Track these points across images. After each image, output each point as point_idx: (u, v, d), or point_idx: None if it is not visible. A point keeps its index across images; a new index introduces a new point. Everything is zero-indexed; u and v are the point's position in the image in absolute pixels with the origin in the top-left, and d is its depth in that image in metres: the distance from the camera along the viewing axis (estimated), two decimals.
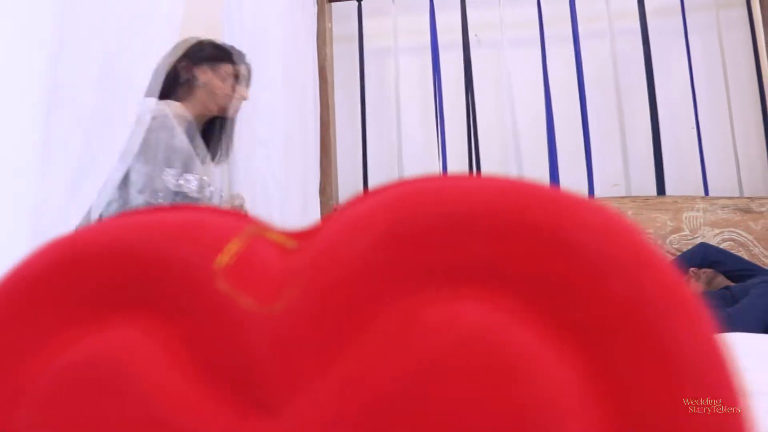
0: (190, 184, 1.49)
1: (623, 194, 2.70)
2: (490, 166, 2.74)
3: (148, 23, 1.23)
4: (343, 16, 2.94)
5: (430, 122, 2.79)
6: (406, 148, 2.82)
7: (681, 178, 2.69)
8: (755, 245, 2.54)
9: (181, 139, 1.50)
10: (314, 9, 2.79)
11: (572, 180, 2.68)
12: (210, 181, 1.57)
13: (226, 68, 1.64)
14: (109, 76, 1.11)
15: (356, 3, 2.87)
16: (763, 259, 2.51)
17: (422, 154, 2.83)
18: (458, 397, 0.23)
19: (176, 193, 1.45)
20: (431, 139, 2.78)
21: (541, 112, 2.69)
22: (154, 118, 1.42)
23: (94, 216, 1.24)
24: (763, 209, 2.56)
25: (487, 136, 2.74)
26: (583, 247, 0.25)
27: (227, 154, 1.77)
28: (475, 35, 2.90)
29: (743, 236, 2.54)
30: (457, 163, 2.74)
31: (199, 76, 1.59)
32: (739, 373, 0.25)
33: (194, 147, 1.53)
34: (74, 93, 1.05)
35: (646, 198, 2.60)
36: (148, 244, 0.31)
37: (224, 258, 0.30)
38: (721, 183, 2.68)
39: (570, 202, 0.26)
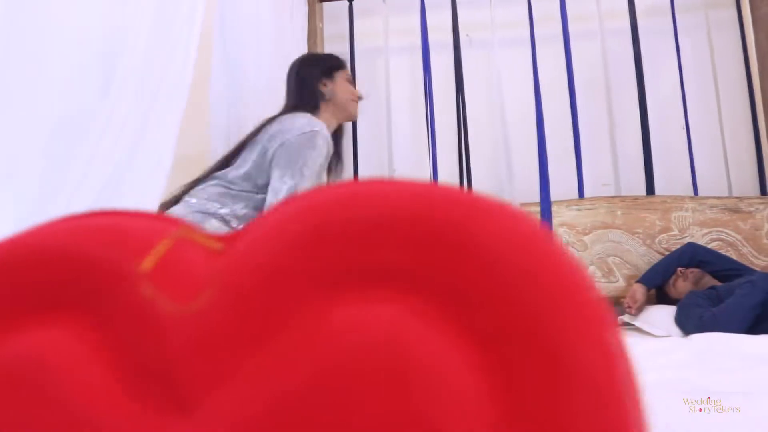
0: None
1: (613, 194, 2.71)
2: (480, 167, 2.75)
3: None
4: (334, 16, 2.94)
5: (421, 122, 2.80)
6: (397, 148, 2.83)
7: (670, 178, 2.70)
8: (744, 245, 2.55)
9: (327, 155, 1.55)
10: (305, 9, 2.79)
11: (562, 179, 2.69)
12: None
13: (344, 74, 1.72)
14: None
15: (347, 3, 2.87)
16: (751, 258, 2.52)
17: (413, 154, 2.84)
18: (361, 397, 0.24)
19: None
20: (422, 139, 2.79)
21: (531, 111, 2.69)
22: (303, 134, 1.49)
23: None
24: (752, 209, 2.57)
25: (477, 136, 2.75)
26: (488, 252, 0.25)
27: (341, 166, 1.84)
28: (467, 35, 2.91)
29: (732, 236, 2.55)
30: (447, 163, 2.75)
31: (325, 89, 1.66)
32: (635, 377, 0.26)
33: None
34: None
35: (635, 198, 2.61)
36: (75, 248, 0.31)
37: (150, 261, 0.31)
38: (711, 183, 2.69)
39: (481, 206, 0.27)
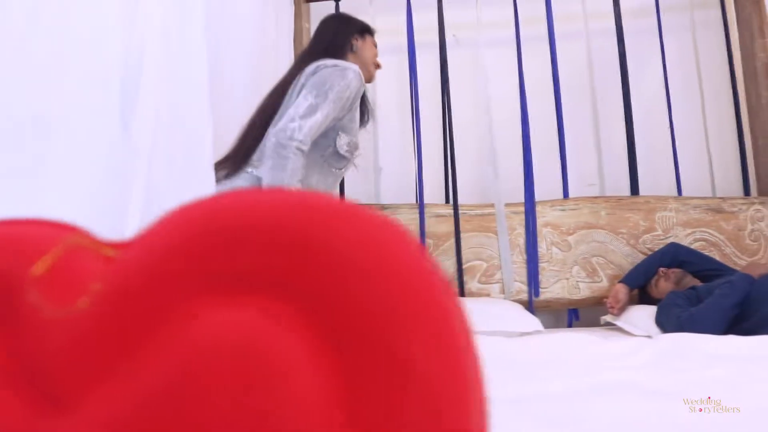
0: (341, 142, 1.62)
1: (598, 194, 2.72)
2: (465, 166, 2.76)
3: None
4: (320, 16, 2.93)
5: (407, 122, 2.80)
6: (383, 147, 2.84)
7: (655, 178, 2.71)
8: (726, 245, 2.56)
9: (356, 92, 1.63)
10: (291, 9, 2.80)
11: (547, 179, 2.70)
12: (358, 145, 1.71)
13: (372, 39, 1.86)
14: None
15: (334, 3, 2.88)
16: (734, 258, 2.53)
17: (399, 153, 2.85)
18: (213, 399, 0.25)
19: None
20: (407, 138, 2.80)
21: (516, 112, 2.70)
22: (336, 66, 1.58)
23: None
24: (735, 209, 2.58)
25: (462, 136, 2.76)
26: (338, 257, 0.26)
27: (369, 119, 1.94)
28: (453, 35, 2.91)
29: (715, 236, 2.56)
30: (433, 163, 2.76)
31: (357, 45, 1.78)
32: (481, 380, 0.27)
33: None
34: None
35: (620, 198, 2.62)
36: None
37: (40, 267, 0.32)
38: (695, 183, 2.70)
39: (337, 213, 0.28)
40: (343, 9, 2.90)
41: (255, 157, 1.60)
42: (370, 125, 2.79)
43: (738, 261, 2.52)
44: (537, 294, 2.54)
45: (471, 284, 2.58)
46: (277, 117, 1.62)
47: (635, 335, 2.14)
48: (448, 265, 2.56)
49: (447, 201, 2.67)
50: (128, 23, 1.20)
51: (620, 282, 2.39)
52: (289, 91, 1.65)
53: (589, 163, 2.78)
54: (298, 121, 1.46)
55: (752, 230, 2.57)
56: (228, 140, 1.96)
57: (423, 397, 0.24)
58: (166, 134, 1.20)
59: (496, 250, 2.58)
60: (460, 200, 2.67)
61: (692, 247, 2.50)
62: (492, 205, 2.62)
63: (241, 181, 1.55)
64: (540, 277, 2.56)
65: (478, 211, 2.63)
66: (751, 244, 2.56)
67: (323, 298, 0.26)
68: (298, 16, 2.82)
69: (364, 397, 0.24)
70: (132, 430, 0.26)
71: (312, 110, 1.49)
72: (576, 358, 1.02)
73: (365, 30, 1.87)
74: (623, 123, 2.69)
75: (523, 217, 2.60)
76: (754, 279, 1.91)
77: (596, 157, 2.78)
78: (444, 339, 0.25)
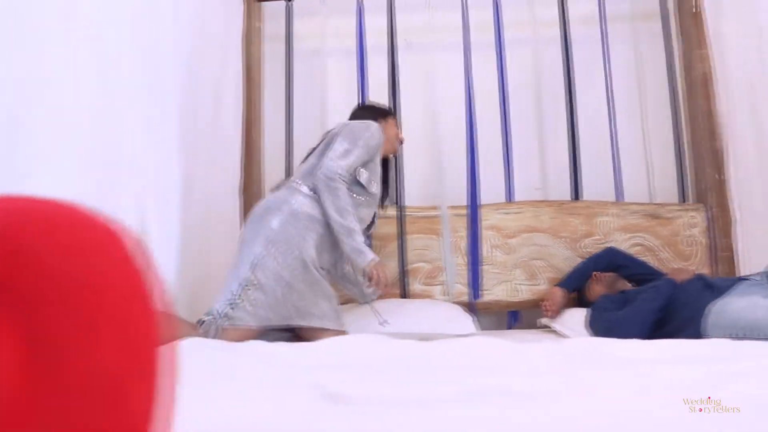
0: (362, 176, 2.02)
1: (542, 198, 2.77)
2: (412, 169, 2.79)
3: None
4: (272, 16, 2.94)
5: None
6: None
7: (597, 184, 2.77)
8: (662, 250, 2.63)
9: (377, 146, 2.09)
10: (242, 7, 2.79)
11: (493, 183, 2.74)
12: (376, 183, 2.10)
13: (394, 120, 2.30)
14: None
15: (285, 3, 2.88)
16: (670, 263, 2.60)
17: None
18: None
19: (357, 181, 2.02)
20: None
21: (463, 116, 2.74)
22: (362, 122, 2.10)
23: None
24: (671, 215, 2.65)
25: (410, 140, 2.77)
26: (36, 258, 0.27)
27: (388, 196, 2.37)
28: (405, 39, 2.94)
29: (651, 241, 2.63)
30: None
31: (382, 125, 2.16)
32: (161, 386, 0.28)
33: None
34: None
35: (562, 202, 2.67)
36: None
37: None
38: (634, 189, 2.77)
39: (44, 217, 0.29)
40: (295, 10, 2.91)
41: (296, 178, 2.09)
42: (319, 127, 2.81)
43: (673, 265, 2.60)
44: (478, 296, 2.58)
45: (414, 285, 2.61)
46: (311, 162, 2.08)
47: (568, 337, 2.20)
48: (393, 267, 2.59)
49: (393, 203, 2.69)
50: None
51: (557, 285, 2.45)
52: (321, 145, 2.12)
53: (533, 167, 2.82)
54: (336, 161, 1.94)
55: (687, 236, 2.64)
56: (162, 135, 1.95)
57: (91, 396, 0.25)
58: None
59: (439, 252, 2.61)
60: (408, 202, 2.70)
61: (630, 251, 2.57)
62: (437, 208, 2.66)
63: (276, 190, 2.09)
64: (482, 279, 2.60)
65: (423, 214, 2.66)
66: (686, 249, 2.64)
67: (16, 290, 0.27)
68: (250, 16, 2.81)
69: (55, 398, 0.25)
70: None
71: (347, 153, 1.96)
72: (469, 363, 1.05)
73: (387, 114, 2.30)
74: (567, 129, 2.75)
75: (467, 219, 2.64)
76: (677, 284, 1.97)
77: (540, 162, 2.83)
78: (125, 340, 0.27)
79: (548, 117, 2.85)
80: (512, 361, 1.08)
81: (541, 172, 2.82)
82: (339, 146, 1.98)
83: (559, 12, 2.81)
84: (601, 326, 2.02)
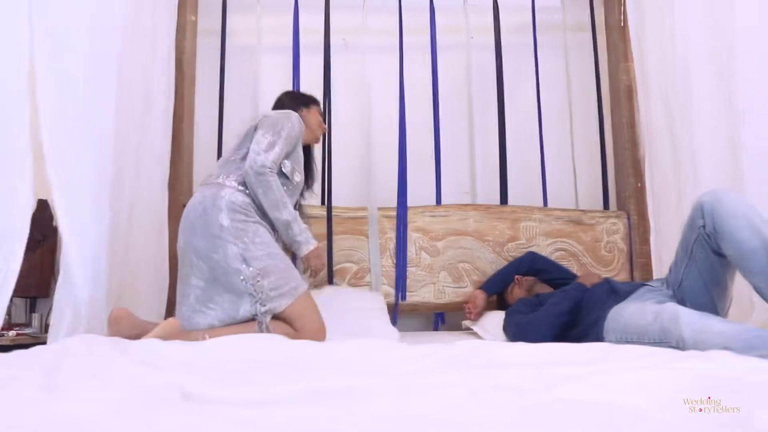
0: (286, 167, 2.02)
1: (470, 202, 2.81)
2: (343, 170, 2.79)
3: None
4: (207, 10, 2.91)
5: None
6: None
7: (524, 189, 2.83)
8: (584, 255, 2.70)
9: (298, 135, 2.07)
10: (175, 0, 2.74)
11: (423, 186, 2.77)
12: (299, 173, 2.08)
13: (317, 109, 2.30)
14: None
15: None
16: (590, 269, 2.68)
17: None
18: None
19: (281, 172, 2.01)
20: None
21: (395, 118, 2.76)
22: (281, 112, 2.09)
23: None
24: (593, 222, 2.73)
25: (341, 140, 2.79)
26: None
27: (313, 183, 2.36)
28: (343, 39, 2.95)
29: (574, 246, 2.70)
30: None
31: (303, 113, 2.19)
32: None
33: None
34: None
35: (488, 206, 2.72)
36: None
37: None
38: (560, 196, 2.84)
39: None
40: (231, 5, 2.89)
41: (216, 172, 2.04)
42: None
43: (593, 270, 2.67)
44: (404, 297, 2.60)
45: (341, 286, 2.61)
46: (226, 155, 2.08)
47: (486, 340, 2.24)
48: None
49: (322, 203, 2.69)
50: None
51: (479, 288, 2.49)
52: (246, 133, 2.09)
53: (463, 171, 2.87)
54: (263, 154, 1.92)
55: (608, 242, 2.72)
56: (85, 124, 1.91)
57: None
58: None
59: (366, 253, 2.62)
60: (338, 203, 2.70)
61: (552, 256, 2.63)
62: (365, 209, 2.67)
63: (200, 189, 2.01)
64: (408, 281, 2.62)
65: (351, 214, 2.66)
66: (606, 255, 2.72)
67: None
68: (183, 8, 2.76)
69: None
70: None
71: (271, 145, 1.95)
72: (333, 364, 1.06)
73: (310, 102, 2.29)
74: (497, 135, 2.80)
75: (395, 221, 2.66)
76: (586, 288, 2.02)
77: (470, 166, 2.87)
78: None
79: (479, 122, 2.89)
80: (380, 362, 1.10)
81: (470, 176, 2.87)
82: (263, 139, 1.96)
83: (493, 19, 2.86)
84: (511, 330, 2.06)
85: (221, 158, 2.13)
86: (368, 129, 2.79)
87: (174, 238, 2.57)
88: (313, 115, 2.27)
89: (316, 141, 2.35)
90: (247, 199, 1.93)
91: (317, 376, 0.92)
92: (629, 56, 2.75)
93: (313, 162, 2.37)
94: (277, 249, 1.91)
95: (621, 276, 2.69)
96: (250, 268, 1.82)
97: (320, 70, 2.82)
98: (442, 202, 2.77)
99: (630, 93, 2.76)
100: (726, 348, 1.29)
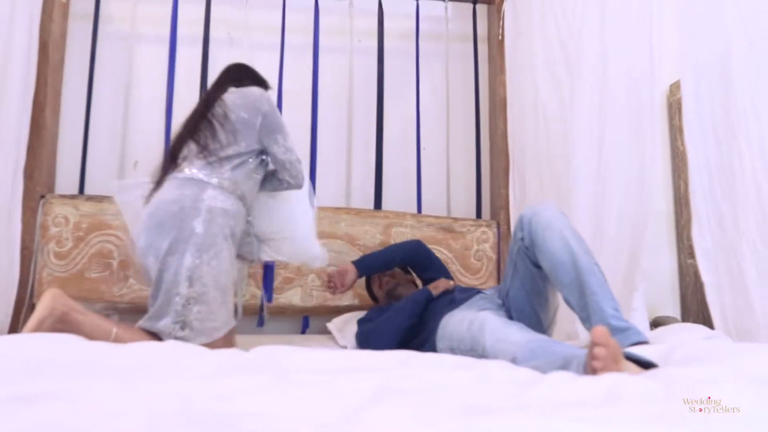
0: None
1: (342, 205, 2.80)
2: None
3: None
4: None
5: (161, 116, 2.71)
6: (134, 140, 2.73)
7: (400, 195, 2.85)
8: (454, 263, 2.74)
9: None
10: None
11: None
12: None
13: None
14: None
15: None
16: (459, 276, 2.72)
17: (152, 146, 2.72)
18: None
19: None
20: (160, 132, 2.70)
21: None
22: (270, 105, 1.99)
23: None
24: (464, 230, 2.77)
25: None
26: None
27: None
28: (228, 33, 2.88)
29: (444, 253, 2.74)
30: None
31: None
32: None
33: None
34: None
35: (360, 210, 2.71)
36: None
37: None
38: (434, 203, 2.87)
39: None
40: None
41: (181, 163, 1.86)
42: (120, 116, 2.68)
43: (462, 278, 2.72)
44: (270, 300, 2.56)
45: None
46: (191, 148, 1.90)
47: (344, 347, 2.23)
48: None
49: None
50: None
51: (353, 262, 2.32)
52: (212, 112, 1.93)
53: (340, 173, 2.85)
54: (288, 155, 1.97)
55: (477, 250, 2.78)
56: None
57: None
58: None
59: None
60: None
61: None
62: None
63: (173, 182, 1.81)
64: (275, 283, 2.58)
65: None
66: (475, 263, 2.77)
67: None
68: None
69: None
70: None
71: (290, 146, 1.99)
72: (130, 366, 1.03)
73: (262, 84, 2.19)
74: (375, 139, 2.80)
75: None
76: (432, 295, 2.04)
77: (347, 168, 2.87)
78: None
79: (358, 125, 2.89)
80: (179, 365, 1.07)
81: (346, 178, 2.86)
82: (282, 141, 1.97)
83: (377, 24, 2.86)
84: (359, 337, 2.05)
85: (197, 146, 1.87)
86: None
87: (28, 230, 2.45)
88: None
89: None
90: (225, 205, 1.79)
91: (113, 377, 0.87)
92: (506, 70, 2.82)
93: None
94: (226, 279, 1.77)
95: (488, 284, 2.74)
96: (190, 288, 1.69)
97: (198, 63, 2.75)
98: (316, 205, 2.74)
99: (504, 105, 2.83)
100: (514, 357, 1.32)
